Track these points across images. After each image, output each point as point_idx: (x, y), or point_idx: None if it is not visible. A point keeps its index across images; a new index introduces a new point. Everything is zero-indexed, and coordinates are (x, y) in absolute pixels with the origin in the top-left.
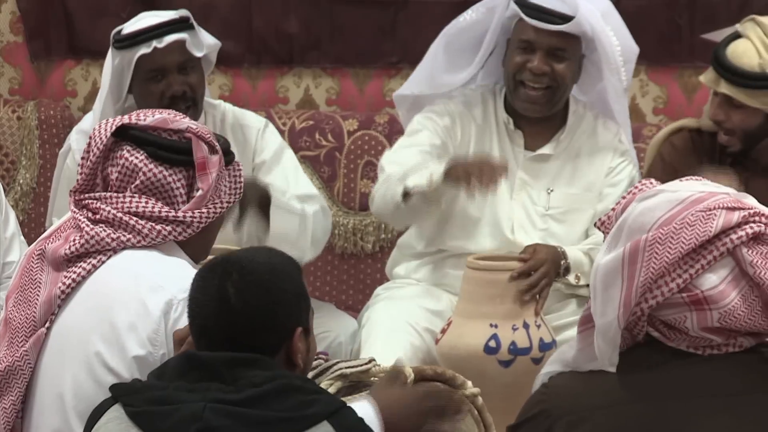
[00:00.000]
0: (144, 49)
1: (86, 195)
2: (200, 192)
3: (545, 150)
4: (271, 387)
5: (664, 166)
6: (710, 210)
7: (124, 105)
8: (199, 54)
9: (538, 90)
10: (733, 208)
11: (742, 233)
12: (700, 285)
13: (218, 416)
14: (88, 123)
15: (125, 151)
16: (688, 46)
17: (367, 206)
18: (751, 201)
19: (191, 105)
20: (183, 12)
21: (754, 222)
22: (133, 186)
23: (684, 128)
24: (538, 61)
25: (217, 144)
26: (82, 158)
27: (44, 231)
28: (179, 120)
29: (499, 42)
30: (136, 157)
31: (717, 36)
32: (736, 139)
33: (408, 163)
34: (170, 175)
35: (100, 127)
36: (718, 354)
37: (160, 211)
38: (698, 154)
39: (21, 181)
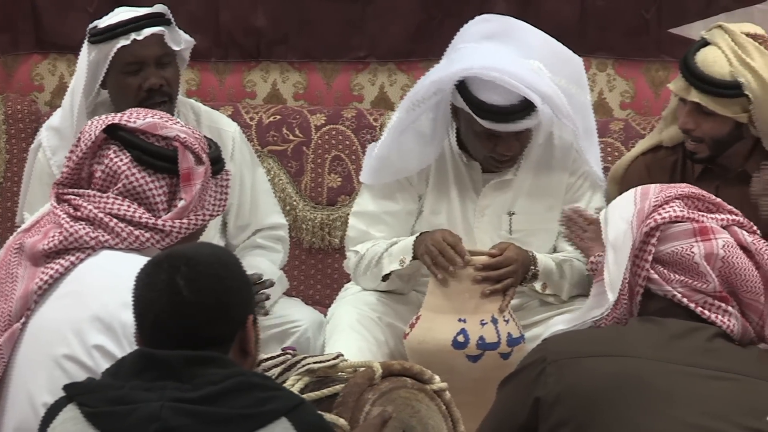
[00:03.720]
0: (123, 41)
1: (69, 190)
2: (183, 203)
3: (507, 176)
4: (229, 384)
5: None
6: None
7: (96, 100)
8: (177, 48)
9: (506, 162)
10: None
11: (737, 217)
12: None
13: (176, 415)
14: (57, 119)
15: (111, 151)
16: (656, 41)
17: (335, 201)
18: None
19: (167, 100)
20: (160, 7)
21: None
22: (115, 188)
23: (635, 159)
24: (506, 146)
25: (204, 155)
26: (70, 151)
27: (12, 226)
28: (169, 126)
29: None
30: (121, 160)
31: (684, 31)
32: (704, 146)
33: (376, 236)
34: (152, 181)
35: (92, 123)
36: (718, 325)
37: (140, 217)
38: (655, 181)
39: None
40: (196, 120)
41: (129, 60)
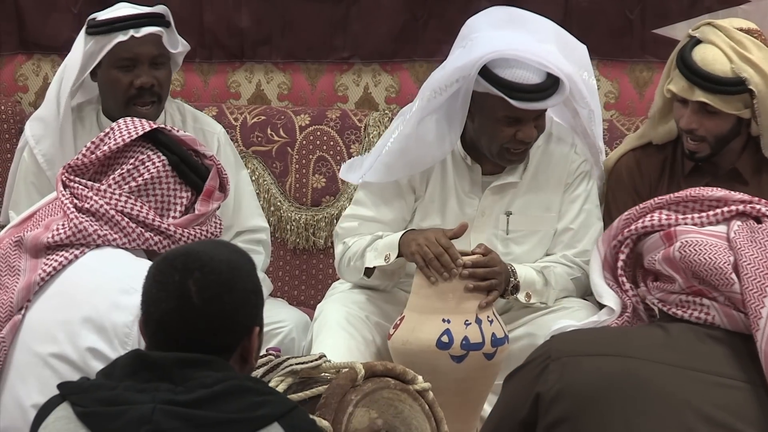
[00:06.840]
0: (121, 37)
1: (76, 179)
2: (196, 212)
3: (511, 179)
4: (221, 388)
5: (616, 203)
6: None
7: (80, 99)
8: (173, 50)
9: (524, 151)
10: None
11: (740, 206)
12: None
13: (168, 418)
14: (41, 109)
15: (150, 151)
16: (640, 41)
17: (319, 201)
18: None
19: (156, 101)
20: (161, 8)
21: (759, 204)
22: (135, 187)
23: (625, 154)
24: (528, 130)
25: (229, 185)
26: (93, 143)
27: None
28: (205, 148)
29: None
30: (160, 161)
31: (668, 31)
32: (706, 144)
33: (364, 234)
34: (180, 190)
35: (125, 122)
36: (693, 321)
37: (153, 220)
38: (646, 175)
39: None
40: (182, 120)
41: (124, 56)
